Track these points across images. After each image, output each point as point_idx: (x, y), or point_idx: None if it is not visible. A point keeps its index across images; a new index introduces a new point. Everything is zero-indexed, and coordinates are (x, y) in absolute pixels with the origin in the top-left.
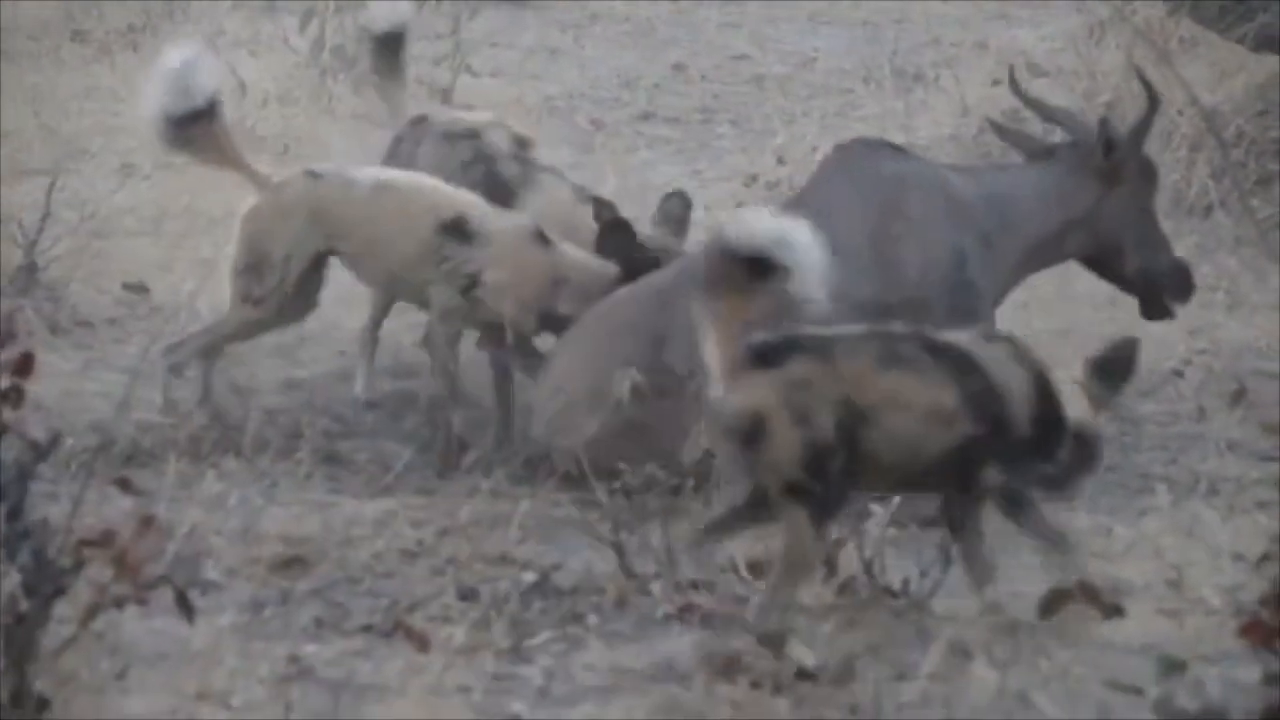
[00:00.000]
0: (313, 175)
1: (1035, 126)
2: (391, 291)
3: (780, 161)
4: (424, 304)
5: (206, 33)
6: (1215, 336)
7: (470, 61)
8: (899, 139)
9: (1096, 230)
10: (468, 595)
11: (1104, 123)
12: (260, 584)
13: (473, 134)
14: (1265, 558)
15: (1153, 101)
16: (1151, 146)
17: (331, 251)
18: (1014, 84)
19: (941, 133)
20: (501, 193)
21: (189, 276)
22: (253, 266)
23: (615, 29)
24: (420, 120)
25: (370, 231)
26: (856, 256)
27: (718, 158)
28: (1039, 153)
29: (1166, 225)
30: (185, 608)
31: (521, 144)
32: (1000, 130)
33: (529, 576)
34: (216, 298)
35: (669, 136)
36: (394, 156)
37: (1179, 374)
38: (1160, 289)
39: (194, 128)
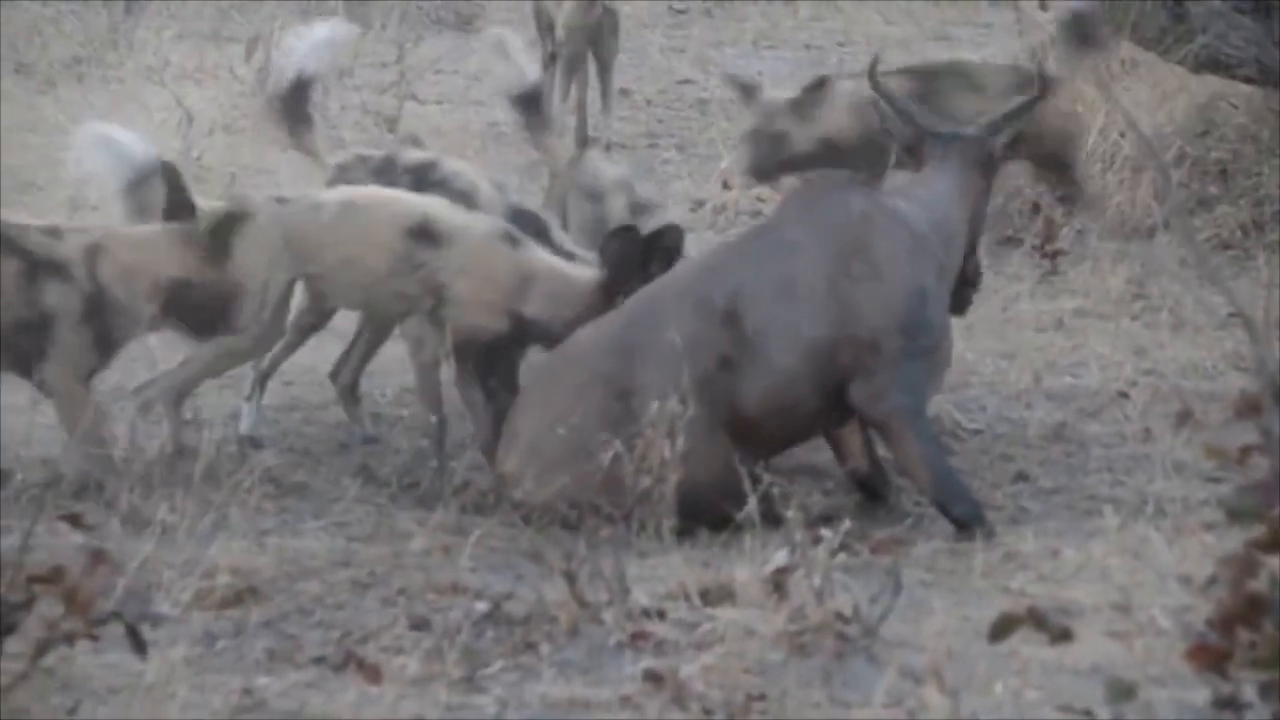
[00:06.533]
0: (280, 200)
1: None
2: (366, 311)
3: (726, 186)
4: (398, 318)
5: (151, 63)
6: (1160, 357)
7: (415, 89)
8: None
9: (974, 227)
10: (420, 625)
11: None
12: (212, 617)
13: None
14: (1212, 580)
15: (1044, 87)
16: (1094, 168)
17: (304, 276)
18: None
19: None
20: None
21: None
22: None
23: None
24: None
25: (341, 251)
26: (811, 294)
27: (664, 183)
28: (914, 136)
29: (1110, 247)
30: (137, 642)
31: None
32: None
33: (481, 606)
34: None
35: (615, 162)
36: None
37: (1125, 395)
38: (969, 281)
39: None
